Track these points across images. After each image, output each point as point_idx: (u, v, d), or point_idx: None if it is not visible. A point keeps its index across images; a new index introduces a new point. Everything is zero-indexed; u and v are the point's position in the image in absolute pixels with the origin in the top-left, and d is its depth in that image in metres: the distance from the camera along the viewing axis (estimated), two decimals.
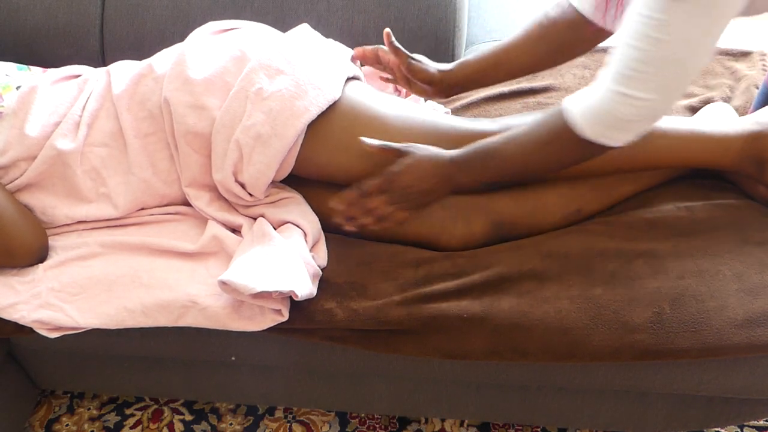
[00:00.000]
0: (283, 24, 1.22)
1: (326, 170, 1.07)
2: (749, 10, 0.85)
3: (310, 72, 1.05)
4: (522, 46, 1.06)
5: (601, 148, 0.87)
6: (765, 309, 0.94)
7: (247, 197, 1.08)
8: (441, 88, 1.10)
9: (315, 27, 1.29)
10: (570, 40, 1.03)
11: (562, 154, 0.92)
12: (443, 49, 1.35)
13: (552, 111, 0.90)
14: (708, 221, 1.03)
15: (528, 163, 0.95)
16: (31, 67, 1.18)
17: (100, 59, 1.39)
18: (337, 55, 1.13)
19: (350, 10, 1.33)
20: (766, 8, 0.92)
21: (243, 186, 1.07)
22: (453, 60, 1.36)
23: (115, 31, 1.37)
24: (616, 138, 0.86)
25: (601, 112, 0.84)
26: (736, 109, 1.18)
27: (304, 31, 1.15)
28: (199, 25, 1.16)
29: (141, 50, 1.33)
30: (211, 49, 1.09)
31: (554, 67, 1.10)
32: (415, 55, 1.10)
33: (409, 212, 1.01)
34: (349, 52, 1.17)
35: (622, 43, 0.81)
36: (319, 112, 1.03)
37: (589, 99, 0.85)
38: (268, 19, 1.30)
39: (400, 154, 1.00)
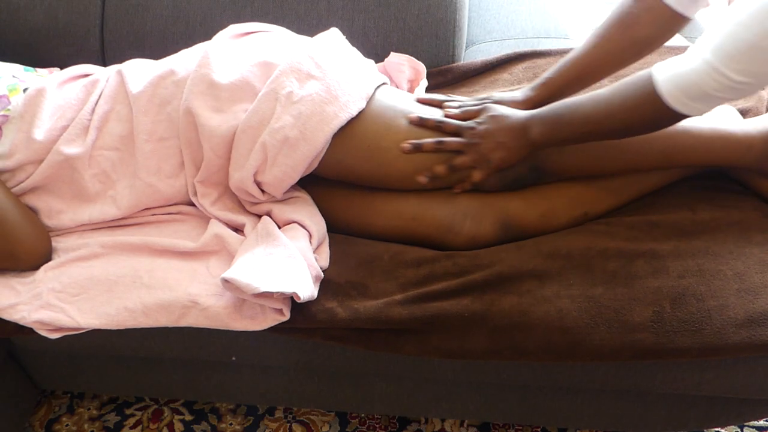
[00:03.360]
0: (283, 24, 1.21)
1: (349, 173, 1.08)
2: None
3: (341, 78, 1.04)
4: (604, 45, 1.03)
5: (677, 117, 0.88)
6: (765, 309, 0.94)
7: (261, 196, 1.07)
8: None
9: (315, 27, 1.29)
10: (655, 34, 1.01)
11: (640, 117, 0.91)
12: (443, 49, 1.35)
13: (640, 74, 0.90)
14: (709, 221, 1.03)
15: (604, 122, 0.95)
16: (38, 69, 1.18)
17: (100, 59, 1.39)
18: (365, 62, 1.13)
19: (350, 10, 1.33)
20: None
21: (259, 185, 1.07)
22: (453, 60, 1.37)
23: (115, 31, 1.37)
24: (695, 108, 0.86)
25: (690, 82, 0.84)
26: (748, 111, 1.17)
27: (333, 35, 1.15)
28: (200, 25, 1.16)
29: (141, 50, 1.33)
30: (236, 52, 1.08)
31: (639, 59, 1.07)
32: (489, 97, 1.10)
33: (485, 172, 1.03)
34: (372, 63, 1.17)
35: (733, 19, 0.80)
36: (349, 118, 1.03)
37: (682, 67, 0.85)
38: (268, 19, 1.30)
39: (476, 113, 1.03)
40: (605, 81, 1.17)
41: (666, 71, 0.87)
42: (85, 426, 1.36)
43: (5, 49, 1.38)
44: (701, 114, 0.88)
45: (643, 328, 0.94)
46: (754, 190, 1.08)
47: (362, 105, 1.04)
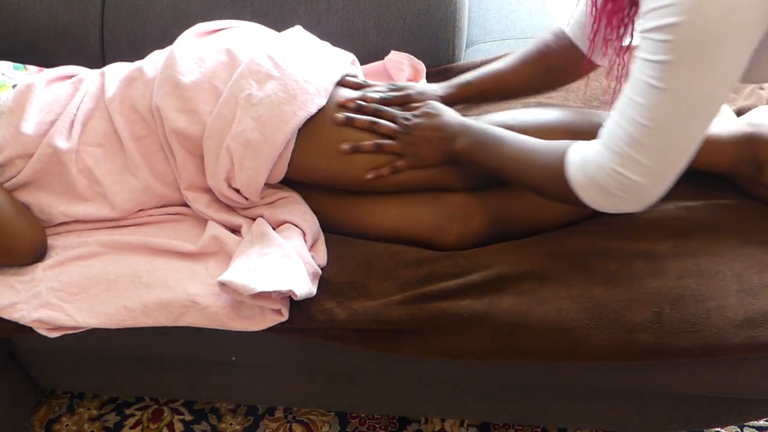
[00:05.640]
0: (283, 24, 1.22)
1: (323, 175, 1.07)
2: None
3: (300, 76, 1.04)
4: (521, 69, 1.09)
5: (584, 203, 0.87)
6: (765, 309, 0.94)
7: (244, 201, 1.08)
8: None
9: (315, 27, 1.29)
10: (566, 66, 1.07)
11: (551, 188, 0.91)
12: (443, 49, 1.35)
13: (562, 144, 0.90)
14: (708, 221, 1.03)
15: (516, 169, 0.96)
16: (28, 66, 1.18)
17: (100, 59, 1.39)
18: (331, 58, 1.13)
19: (350, 10, 1.33)
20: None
21: (238, 191, 1.07)
22: (453, 59, 1.37)
23: (115, 31, 1.37)
24: (598, 204, 0.85)
25: (593, 174, 0.83)
26: (742, 111, 1.17)
27: (296, 32, 1.15)
28: None
29: (141, 50, 1.33)
30: (201, 51, 1.08)
31: (551, 91, 1.15)
32: (411, 87, 1.11)
33: (411, 163, 1.04)
34: (349, 56, 1.17)
35: (611, 118, 0.82)
36: (308, 116, 1.02)
37: (589, 153, 0.84)
38: (268, 19, 1.30)
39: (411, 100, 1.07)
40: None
41: (579, 153, 0.86)
42: (85, 426, 1.36)
43: (5, 49, 1.38)
44: (603, 210, 0.86)
45: (643, 328, 0.94)
46: (743, 190, 1.07)
47: (322, 102, 1.04)
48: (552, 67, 1.08)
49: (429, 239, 1.06)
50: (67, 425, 1.37)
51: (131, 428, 1.36)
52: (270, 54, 1.06)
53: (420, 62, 1.30)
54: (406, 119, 1.04)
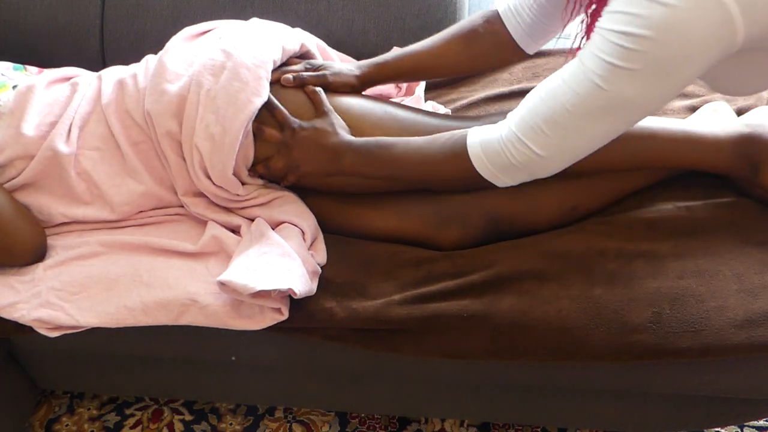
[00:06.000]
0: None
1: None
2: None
3: (251, 62, 1.05)
4: (443, 52, 1.10)
5: (485, 181, 0.94)
6: (765, 309, 0.94)
7: (234, 196, 1.08)
8: (362, 89, 1.15)
9: (315, 27, 1.29)
10: (493, 58, 1.10)
11: (451, 175, 0.97)
12: None
13: (459, 132, 0.95)
14: (708, 221, 1.03)
15: (415, 170, 0.99)
16: (27, 67, 1.18)
17: (100, 59, 1.39)
18: (281, 36, 1.13)
19: (350, 10, 1.33)
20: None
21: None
22: None
23: (115, 31, 1.37)
24: (500, 179, 0.94)
25: (495, 150, 0.91)
26: (741, 111, 1.17)
27: (251, 22, 1.16)
28: None
29: (141, 50, 1.33)
30: (187, 56, 1.10)
31: (472, 74, 1.18)
32: (327, 67, 1.12)
33: (295, 177, 1.06)
34: (304, 36, 1.18)
35: (536, 93, 0.86)
36: (263, 102, 1.03)
37: (491, 134, 0.91)
38: (268, 19, 1.30)
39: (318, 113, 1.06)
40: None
41: (477, 136, 0.92)
42: (85, 426, 1.36)
43: (5, 49, 1.38)
44: (506, 185, 0.94)
45: (643, 328, 0.94)
46: (742, 190, 1.07)
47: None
48: (476, 55, 1.09)
49: (428, 239, 1.06)
50: (67, 425, 1.37)
51: (131, 428, 1.36)
52: (222, 46, 1.07)
53: None
54: (293, 130, 1.04)
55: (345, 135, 1.03)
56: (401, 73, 1.13)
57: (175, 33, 1.14)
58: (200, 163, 1.05)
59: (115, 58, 1.32)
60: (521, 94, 1.28)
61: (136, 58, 1.19)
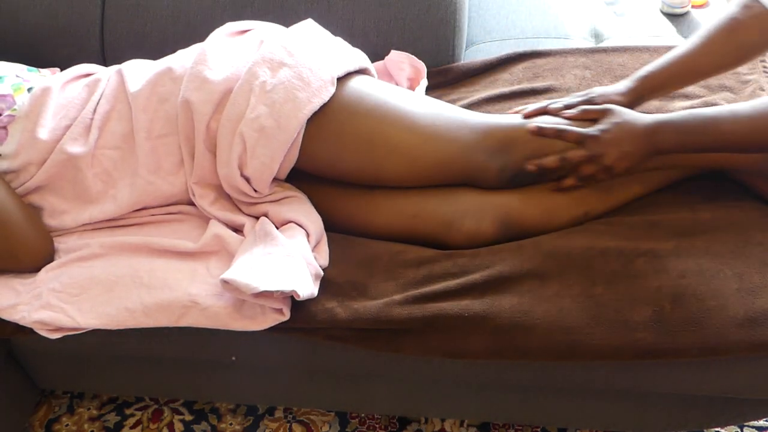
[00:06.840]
0: (284, 24, 1.22)
1: (334, 167, 1.07)
2: None
3: (313, 64, 1.05)
4: (708, 49, 1.04)
5: None
6: (765, 309, 0.94)
7: (252, 193, 1.08)
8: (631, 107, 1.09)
9: None
10: (760, 40, 1.02)
11: None
12: (443, 49, 1.35)
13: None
14: (709, 221, 1.03)
15: (747, 138, 0.95)
16: (41, 69, 1.18)
17: (100, 59, 1.39)
18: (343, 49, 1.13)
19: (350, 9, 1.33)
20: None
21: (248, 181, 1.07)
22: (453, 59, 1.37)
23: (115, 31, 1.37)
24: None
25: None
26: None
27: (308, 25, 1.16)
28: (200, 25, 1.16)
29: (141, 50, 1.33)
30: (231, 50, 1.09)
31: (739, 66, 1.09)
32: (590, 99, 1.08)
33: (607, 178, 1.03)
34: (359, 53, 1.17)
35: None
36: (322, 103, 1.03)
37: None
38: (269, 19, 1.30)
39: (597, 114, 1.02)
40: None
41: None
42: (85, 426, 1.36)
43: (5, 49, 1.38)
44: None
45: (644, 327, 0.94)
46: (755, 191, 1.08)
47: (333, 90, 1.04)
48: (742, 42, 1.02)
49: (439, 236, 1.06)
50: (67, 425, 1.36)
51: (131, 428, 1.36)
52: (283, 43, 1.07)
53: (420, 62, 1.30)
54: (594, 137, 1.01)
55: (645, 117, 1.00)
56: (671, 79, 1.06)
57: (175, 33, 1.14)
58: (240, 150, 1.03)
59: (115, 58, 1.32)
60: (522, 94, 1.28)
61: (136, 58, 1.19)
